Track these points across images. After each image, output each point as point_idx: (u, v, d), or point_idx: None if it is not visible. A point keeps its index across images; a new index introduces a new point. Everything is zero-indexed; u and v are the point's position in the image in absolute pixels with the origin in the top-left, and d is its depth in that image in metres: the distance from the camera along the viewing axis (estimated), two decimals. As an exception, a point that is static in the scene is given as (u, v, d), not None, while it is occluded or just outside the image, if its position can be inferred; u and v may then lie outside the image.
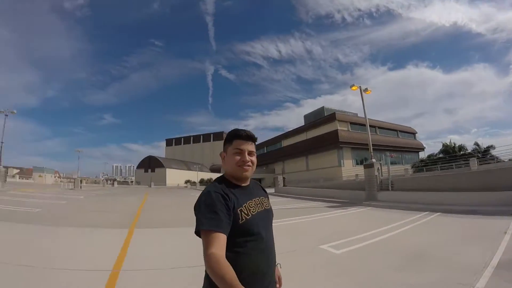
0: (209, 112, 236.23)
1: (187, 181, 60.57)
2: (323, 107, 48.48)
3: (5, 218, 7.84)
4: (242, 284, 0.92)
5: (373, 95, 21.44)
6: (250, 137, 1.30)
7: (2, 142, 24.27)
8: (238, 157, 1.25)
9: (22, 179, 53.92)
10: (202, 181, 54.03)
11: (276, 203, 14.74)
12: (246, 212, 1.16)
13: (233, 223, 1.11)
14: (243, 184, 1.28)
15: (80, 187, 38.15)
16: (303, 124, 49.18)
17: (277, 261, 1.31)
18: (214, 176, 54.44)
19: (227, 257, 1.00)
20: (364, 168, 15.44)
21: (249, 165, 1.26)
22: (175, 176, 66.86)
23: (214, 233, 1.05)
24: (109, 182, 69.29)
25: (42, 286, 3.08)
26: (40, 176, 56.84)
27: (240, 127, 1.35)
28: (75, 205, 13.09)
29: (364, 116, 16.80)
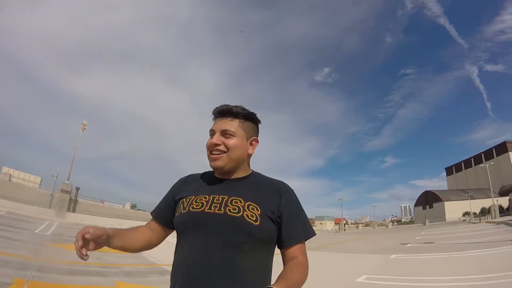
0: (492, 119, 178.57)
1: (465, 213, 47.89)
2: None
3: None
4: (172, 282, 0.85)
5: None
6: (225, 111, 0.91)
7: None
8: (207, 142, 0.91)
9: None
10: (483, 211, 39.94)
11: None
12: (184, 206, 0.89)
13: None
14: (226, 177, 0.92)
15: (344, 230, 42.28)
16: None
17: None
18: (503, 201, 41.41)
19: None
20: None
21: (217, 152, 0.88)
22: (455, 209, 57.50)
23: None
24: (394, 223, 74.48)
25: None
26: (321, 223, 66.56)
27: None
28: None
29: None
